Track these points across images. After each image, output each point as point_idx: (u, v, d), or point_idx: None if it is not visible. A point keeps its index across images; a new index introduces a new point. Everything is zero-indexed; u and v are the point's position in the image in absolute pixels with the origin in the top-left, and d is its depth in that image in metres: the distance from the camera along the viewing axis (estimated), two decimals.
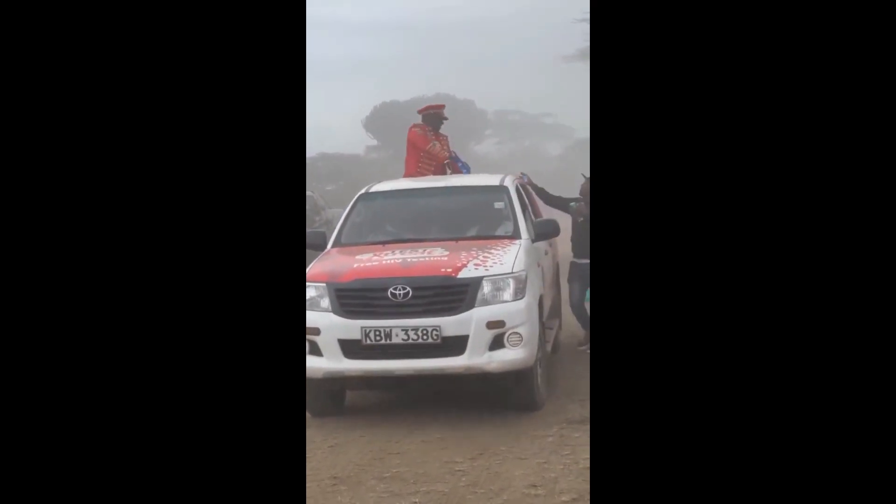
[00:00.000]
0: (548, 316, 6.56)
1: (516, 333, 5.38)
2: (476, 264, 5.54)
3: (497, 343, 5.36)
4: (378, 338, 5.34)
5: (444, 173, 8.13)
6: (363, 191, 7.01)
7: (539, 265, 6.23)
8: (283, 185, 2.82)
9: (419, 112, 8.58)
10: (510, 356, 5.36)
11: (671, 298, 2.47)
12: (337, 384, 5.68)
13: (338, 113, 61.25)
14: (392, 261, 5.71)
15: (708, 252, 2.46)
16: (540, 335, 5.74)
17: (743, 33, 2.50)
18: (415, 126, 8.40)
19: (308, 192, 17.47)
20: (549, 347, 6.28)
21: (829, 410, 2.37)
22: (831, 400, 2.37)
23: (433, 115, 8.41)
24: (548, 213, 7.49)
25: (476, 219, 6.56)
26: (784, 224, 2.43)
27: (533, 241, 6.25)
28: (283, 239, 2.78)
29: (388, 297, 5.39)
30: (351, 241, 6.40)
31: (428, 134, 8.24)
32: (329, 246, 6.35)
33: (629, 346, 2.48)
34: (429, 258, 5.69)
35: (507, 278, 5.48)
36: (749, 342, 2.41)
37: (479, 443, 5.07)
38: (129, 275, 2.54)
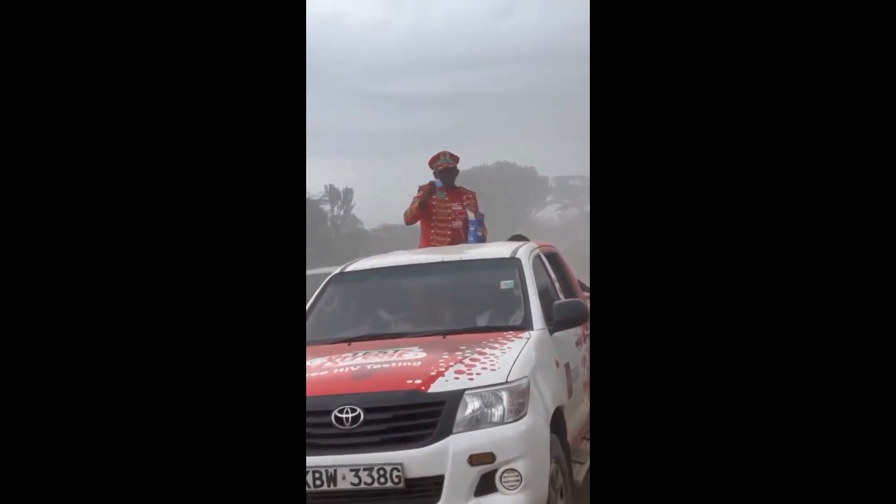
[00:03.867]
0: (586, 424, 4.94)
1: (513, 471, 3.75)
2: (457, 372, 3.96)
3: (486, 485, 3.75)
4: (318, 481, 3.78)
5: (460, 241, 6.65)
6: (337, 271, 5.53)
7: (559, 363, 4.61)
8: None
9: (430, 166, 6.96)
10: None
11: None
12: None
13: (399, 184, 60.92)
14: (345, 369, 4.18)
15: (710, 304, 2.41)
16: (559, 467, 4.10)
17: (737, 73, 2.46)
18: (421, 187, 6.90)
19: None
20: (581, 476, 4.57)
21: (829, 439, 2.32)
22: (832, 428, 2.32)
23: (444, 170, 6.84)
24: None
25: (484, 304, 4.99)
26: (790, 276, 2.39)
27: (552, 331, 4.68)
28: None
29: (332, 424, 3.87)
30: (316, 337, 4.86)
31: (437, 193, 6.73)
32: None
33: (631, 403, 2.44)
34: (395, 364, 4.12)
35: (498, 390, 3.88)
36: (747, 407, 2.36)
37: None
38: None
